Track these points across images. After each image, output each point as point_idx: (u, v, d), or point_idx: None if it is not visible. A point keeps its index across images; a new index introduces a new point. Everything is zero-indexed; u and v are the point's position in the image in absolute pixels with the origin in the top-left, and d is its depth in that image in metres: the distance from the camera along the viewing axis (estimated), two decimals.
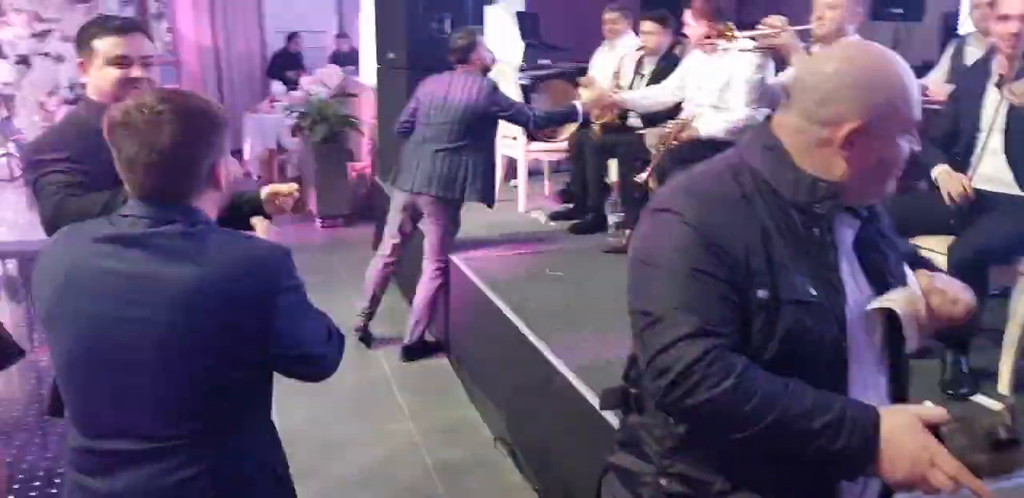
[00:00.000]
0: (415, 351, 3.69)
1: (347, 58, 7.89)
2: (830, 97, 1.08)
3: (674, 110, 3.67)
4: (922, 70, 4.99)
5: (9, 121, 7.23)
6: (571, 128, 4.67)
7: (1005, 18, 2.33)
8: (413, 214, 3.71)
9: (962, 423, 1.02)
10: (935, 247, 2.49)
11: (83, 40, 1.80)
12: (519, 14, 6.02)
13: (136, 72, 1.79)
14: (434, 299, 3.65)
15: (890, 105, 1.09)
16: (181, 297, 1.15)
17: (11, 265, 5.32)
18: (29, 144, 1.89)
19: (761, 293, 1.08)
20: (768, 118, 1.19)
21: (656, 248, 1.12)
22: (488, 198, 3.66)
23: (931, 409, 1.07)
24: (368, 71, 6.14)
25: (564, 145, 4.48)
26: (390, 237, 3.78)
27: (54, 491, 2.66)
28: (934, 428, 1.04)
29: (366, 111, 6.20)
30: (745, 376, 1.03)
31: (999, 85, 2.33)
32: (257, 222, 1.48)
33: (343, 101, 6.32)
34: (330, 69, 7.17)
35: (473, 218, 4.01)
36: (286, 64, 8.07)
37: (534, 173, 5.34)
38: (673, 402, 1.06)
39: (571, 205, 4.44)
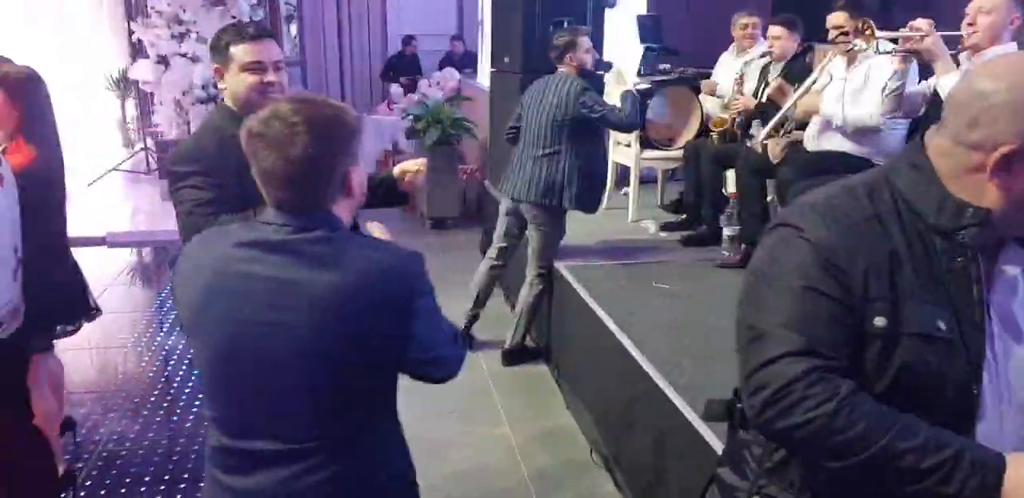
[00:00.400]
0: (515, 356, 3.69)
1: (462, 60, 8.01)
2: (982, 118, 0.99)
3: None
4: None
5: (148, 117, 7.75)
6: (688, 136, 4.55)
7: None
8: (518, 219, 3.69)
9: None
10: None
11: (218, 47, 1.89)
12: (639, 17, 5.90)
13: (270, 76, 1.87)
14: (536, 305, 3.63)
15: None
16: (322, 302, 1.16)
17: (146, 252, 5.70)
18: (171, 154, 2.01)
19: (879, 321, 1.01)
20: (922, 137, 1.10)
21: (772, 262, 1.08)
22: (587, 205, 3.60)
23: None
24: (484, 75, 6.19)
25: (679, 153, 4.35)
26: (497, 241, 3.80)
27: (181, 473, 2.80)
28: None
29: (481, 114, 6.26)
30: (850, 401, 0.97)
31: None
32: (374, 228, 1.48)
33: (458, 104, 6.41)
34: (446, 72, 7.29)
35: (580, 226, 3.96)
36: (400, 67, 8.26)
37: (647, 181, 5.22)
38: (768, 421, 1.01)
39: (683, 216, 4.31)
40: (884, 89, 2.95)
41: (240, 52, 1.86)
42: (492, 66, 5.33)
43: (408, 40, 8.42)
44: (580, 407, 3.16)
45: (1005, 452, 0.97)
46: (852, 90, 3.17)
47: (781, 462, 1.12)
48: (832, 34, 3.29)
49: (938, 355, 1.00)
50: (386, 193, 2.00)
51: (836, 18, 3.29)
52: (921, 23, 2.77)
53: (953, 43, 2.80)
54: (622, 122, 3.55)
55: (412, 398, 1.45)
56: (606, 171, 3.95)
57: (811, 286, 1.03)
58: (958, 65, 2.77)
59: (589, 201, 3.61)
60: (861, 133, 3.16)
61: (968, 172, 1.02)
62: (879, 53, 2.93)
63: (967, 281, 1.03)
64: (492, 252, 3.82)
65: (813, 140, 3.39)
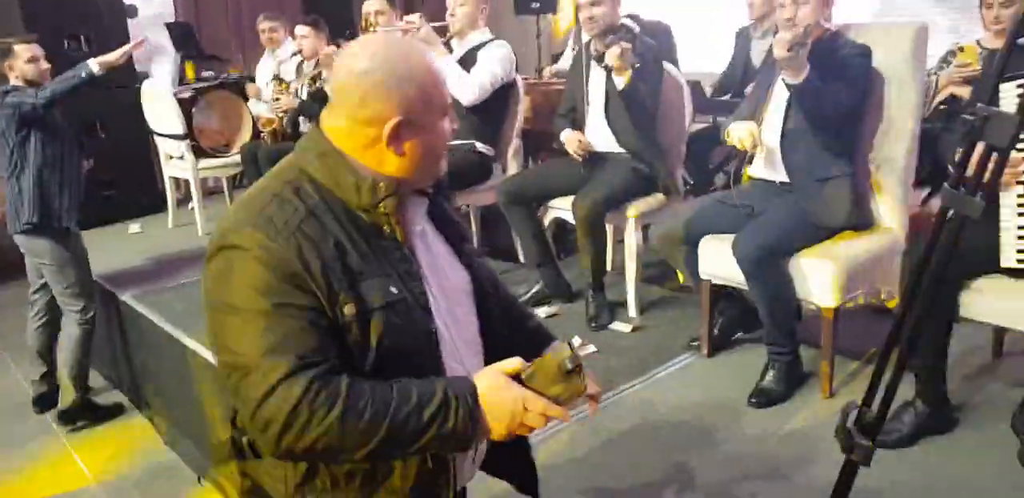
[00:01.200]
0: (76, 414, 3.06)
1: None
2: (369, 96, 1.09)
3: None
4: (557, 58, 5.66)
5: None
6: (243, 139, 4.60)
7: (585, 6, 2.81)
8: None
9: (536, 365, 1.15)
10: (563, 206, 2.92)
11: None
12: (168, 25, 5.71)
13: None
14: (83, 353, 3.03)
15: (424, 93, 1.11)
16: None
17: None
18: None
19: (348, 309, 1.07)
20: (318, 123, 1.17)
21: (230, 290, 1.05)
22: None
23: (508, 361, 1.14)
24: None
25: (238, 158, 4.39)
26: (32, 291, 3.12)
27: None
28: (517, 376, 1.12)
29: None
30: (351, 396, 1.02)
31: (598, 60, 2.80)
32: None
33: None
34: None
35: (143, 249, 3.76)
36: None
37: (216, 192, 5.16)
38: (289, 447, 1.03)
39: None
40: None
41: None
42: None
43: None
44: (178, 437, 2.97)
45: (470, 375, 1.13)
46: None
47: (307, 471, 1.15)
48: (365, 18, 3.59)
49: (400, 315, 1.10)
50: None
51: (376, 4, 3.61)
52: (413, 17, 3.23)
53: (443, 32, 3.31)
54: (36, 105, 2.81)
55: None
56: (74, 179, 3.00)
57: (280, 302, 1.03)
58: (451, 51, 3.29)
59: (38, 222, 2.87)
60: None
61: (368, 146, 1.12)
62: None
63: (396, 242, 1.14)
64: (32, 309, 3.13)
65: None
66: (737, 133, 2.36)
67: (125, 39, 4.71)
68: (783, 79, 2.20)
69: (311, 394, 1.01)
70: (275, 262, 1.04)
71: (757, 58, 3.62)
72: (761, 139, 2.35)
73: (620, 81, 2.67)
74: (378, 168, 1.13)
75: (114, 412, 3.17)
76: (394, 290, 1.11)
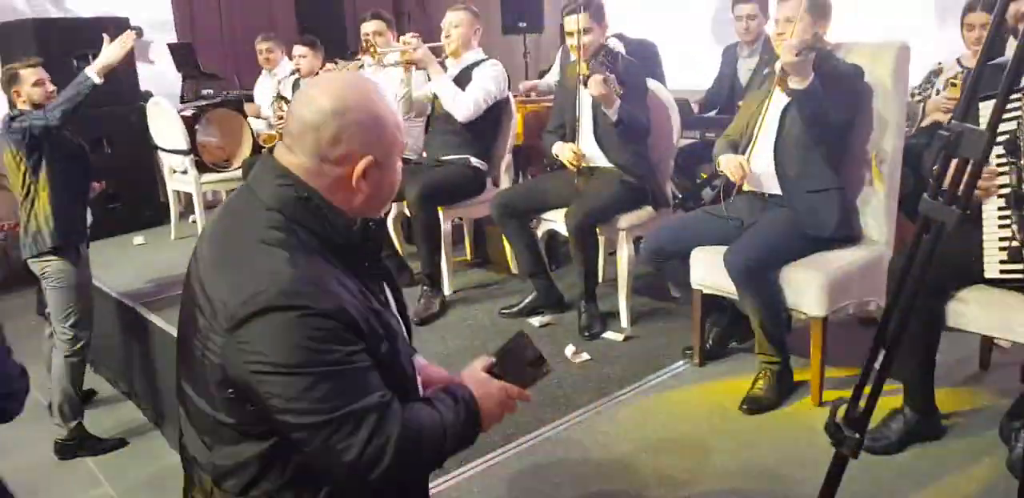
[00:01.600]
0: (73, 447, 2.96)
1: None
2: (342, 135, 1.10)
3: None
4: (543, 74, 5.76)
5: None
6: (244, 154, 4.67)
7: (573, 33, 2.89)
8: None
9: (501, 357, 1.32)
10: (556, 218, 2.98)
11: None
12: (170, 46, 5.82)
13: None
14: (76, 376, 2.95)
15: (390, 134, 1.15)
16: None
17: None
18: None
19: (384, 347, 1.13)
20: (268, 162, 1.16)
21: (291, 351, 1.04)
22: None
23: (479, 360, 1.32)
24: None
25: (239, 173, 4.45)
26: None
27: None
28: (489, 370, 1.30)
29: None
30: (421, 419, 1.14)
31: (583, 82, 2.85)
32: None
33: None
34: None
35: (149, 258, 3.79)
36: None
37: (216, 206, 5.21)
38: (392, 477, 1.08)
39: None
40: (396, 96, 3.42)
41: None
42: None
43: None
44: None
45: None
46: None
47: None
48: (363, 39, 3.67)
49: (395, 341, 1.17)
50: None
51: (374, 25, 3.71)
52: (410, 38, 3.31)
53: (438, 52, 3.40)
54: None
55: None
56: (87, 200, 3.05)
57: (348, 351, 1.06)
58: (446, 70, 3.37)
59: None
60: None
61: (336, 184, 1.13)
62: (385, 66, 3.43)
63: (378, 275, 1.24)
64: (46, 330, 3.07)
65: None
66: (727, 165, 2.45)
67: (130, 58, 4.82)
68: (789, 85, 2.26)
69: (404, 427, 1.09)
70: (333, 313, 1.05)
71: (744, 76, 3.69)
72: (749, 167, 2.42)
73: (610, 112, 2.75)
74: (348, 205, 1.16)
75: (116, 445, 3.02)
76: (393, 322, 1.19)
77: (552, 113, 3.26)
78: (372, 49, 3.35)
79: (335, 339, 1.05)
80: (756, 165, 2.46)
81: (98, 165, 4.50)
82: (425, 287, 3.20)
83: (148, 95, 5.12)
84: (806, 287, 2.30)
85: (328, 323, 1.05)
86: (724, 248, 2.37)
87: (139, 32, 4.48)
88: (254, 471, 1.15)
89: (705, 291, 2.55)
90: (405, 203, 3.29)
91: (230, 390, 1.10)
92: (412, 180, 3.21)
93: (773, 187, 2.46)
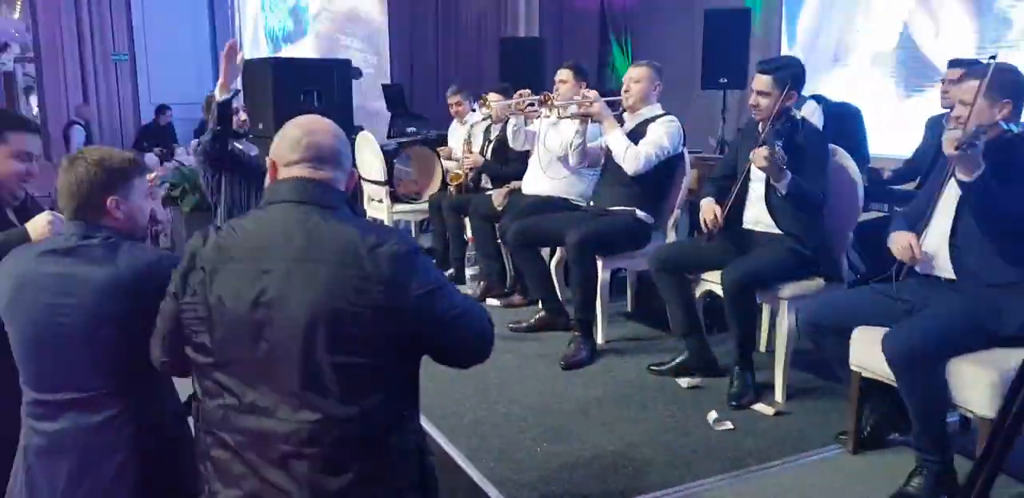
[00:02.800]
0: None
1: None
2: (347, 155, 1.51)
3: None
4: None
5: None
6: (432, 189, 5.02)
7: (751, 93, 2.84)
8: None
9: None
10: (715, 279, 2.91)
11: None
12: (384, 87, 6.40)
13: (33, 167, 1.98)
14: None
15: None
16: (99, 287, 1.55)
17: None
18: None
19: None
20: (318, 181, 1.42)
21: (432, 273, 1.40)
22: None
23: None
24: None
25: (426, 206, 4.79)
26: None
27: None
28: None
29: None
30: None
31: (759, 144, 2.79)
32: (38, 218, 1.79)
33: None
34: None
35: None
36: (154, 136, 8.09)
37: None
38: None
39: (433, 261, 4.69)
40: (571, 145, 3.55)
41: (18, 140, 1.94)
42: (249, 134, 5.50)
43: (162, 110, 8.29)
44: None
45: None
46: (555, 152, 3.71)
47: None
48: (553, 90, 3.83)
49: None
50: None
51: (562, 74, 3.87)
52: (588, 93, 3.44)
53: (615, 106, 3.48)
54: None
55: None
56: None
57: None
58: (622, 124, 3.44)
59: None
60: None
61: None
62: (561, 118, 3.57)
63: None
64: None
65: (528, 185, 3.95)
66: (896, 243, 2.30)
67: (349, 95, 5.38)
68: (955, 176, 2.11)
69: (482, 309, 1.49)
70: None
71: None
72: (920, 250, 2.26)
73: (779, 185, 2.66)
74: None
75: None
76: None
77: (721, 163, 3.20)
78: (550, 101, 3.51)
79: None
80: (930, 247, 2.29)
81: None
82: (577, 333, 3.25)
83: (359, 129, 5.67)
84: (976, 383, 2.08)
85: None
86: (886, 329, 2.21)
87: (357, 73, 4.96)
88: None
89: (864, 374, 2.38)
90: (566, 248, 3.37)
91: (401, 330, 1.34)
92: (574, 227, 3.29)
93: (949, 272, 2.27)
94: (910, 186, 3.66)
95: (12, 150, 1.95)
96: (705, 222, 2.90)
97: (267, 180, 1.50)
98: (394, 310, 1.31)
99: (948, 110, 3.58)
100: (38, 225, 1.83)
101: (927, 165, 3.57)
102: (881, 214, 3.52)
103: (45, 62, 8.13)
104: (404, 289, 1.31)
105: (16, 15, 9.62)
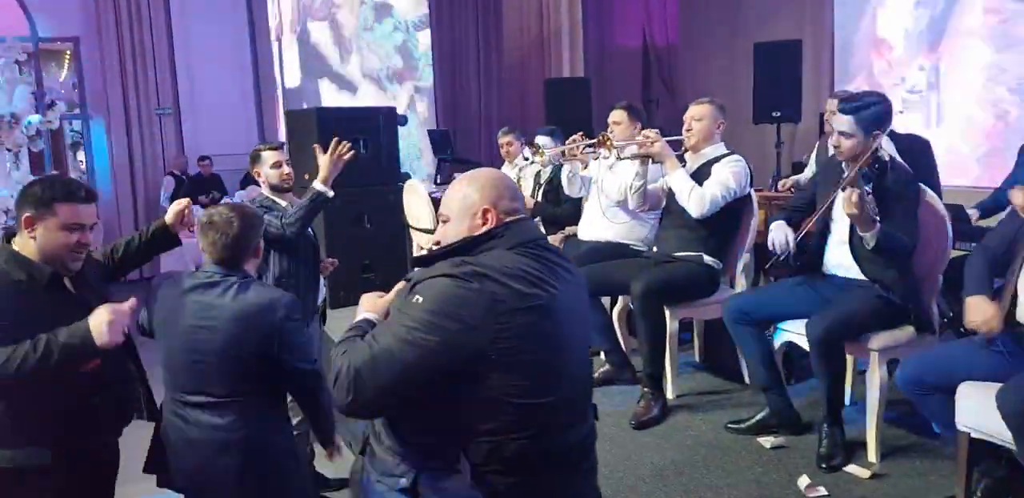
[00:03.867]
0: None
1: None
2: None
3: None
4: (799, 166, 5.48)
5: None
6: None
7: (832, 132, 2.67)
8: None
9: None
10: (797, 329, 2.71)
11: (41, 199, 1.90)
12: (430, 132, 6.38)
13: (87, 237, 1.95)
14: None
15: None
16: (235, 316, 2.04)
17: None
18: None
19: None
20: None
21: None
22: None
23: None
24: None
25: None
26: None
27: None
28: None
29: None
30: None
31: (842, 187, 2.60)
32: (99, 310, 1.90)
33: None
34: (251, 190, 7.34)
35: None
36: (199, 187, 8.10)
37: None
38: None
39: None
40: (630, 188, 3.40)
41: (66, 211, 1.90)
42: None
43: (203, 159, 8.28)
44: None
45: None
46: (616, 193, 3.56)
47: None
48: (591, 138, 3.70)
49: None
50: (160, 241, 2.41)
51: (615, 115, 3.75)
52: (649, 132, 3.30)
53: (677, 145, 3.34)
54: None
55: None
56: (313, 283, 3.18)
57: None
58: (684, 164, 3.29)
59: None
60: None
61: None
62: (620, 159, 3.43)
63: None
64: None
65: (585, 231, 3.81)
66: (975, 314, 2.13)
67: (395, 142, 5.35)
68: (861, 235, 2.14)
69: None
70: None
71: None
72: (1000, 322, 2.08)
73: (867, 236, 2.45)
74: None
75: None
76: None
77: (798, 195, 3.00)
78: (608, 142, 3.37)
79: None
80: None
81: (358, 239, 4.98)
82: (646, 389, 3.06)
83: (407, 176, 5.63)
84: None
85: None
86: (999, 385, 1.99)
87: (403, 121, 4.92)
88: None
89: (974, 435, 2.15)
90: (630, 297, 3.20)
91: None
92: (639, 275, 3.13)
93: None
94: (992, 221, 3.43)
95: (60, 221, 1.91)
96: (774, 243, 2.73)
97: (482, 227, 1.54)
98: None
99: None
100: (99, 328, 1.83)
101: None
102: (968, 253, 3.27)
103: (92, 118, 8.33)
104: None
105: (63, 73, 9.94)
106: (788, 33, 6.82)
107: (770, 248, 2.77)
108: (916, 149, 3.52)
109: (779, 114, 6.17)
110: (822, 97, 6.90)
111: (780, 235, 2.73)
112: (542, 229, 4.33)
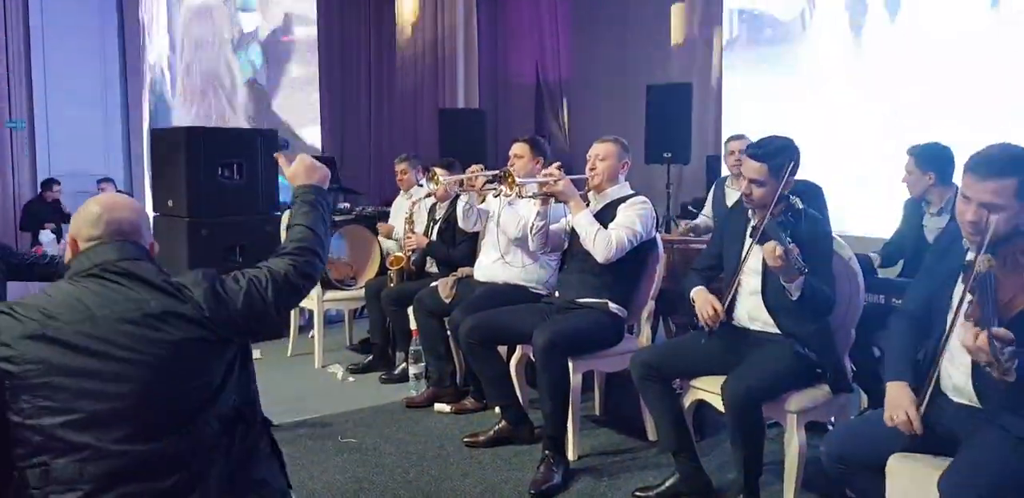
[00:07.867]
0: None
1: None
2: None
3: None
4: (694, 205, 5.44)
5: None
6: (370, 274, 4.53)
7: (741, 178, 2.54)
8: None
9: None
10: (709, 388, 2.51)
11: None
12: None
13: None
14: None
15: None
16: None
17: None
18: None
19: None
20: None
21: None
22: None
23: None
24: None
25: (363, 292, 4.29)
26: None
27: None
28: None
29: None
30: None
31: (752, 235, 2.46)
32: None
33: None
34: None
35: (266, 376, 3.60)
36: (42, 214, 7.22)
37: (335, 321, 5.09)
38: None
39: (370, 357, 4.23)
40: (531, 228, 3.16)
41: None
42: (155, 210, 4.95)
43: (49, 184, 7.37)
44: None
45: None
46: (513, 234, 3.33)
47: None
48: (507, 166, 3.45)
49: None
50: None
51: (517, 148, 3.54)
52: (553, 169, 3.08)
53: (580, 184, 3.14)
54: None
55: None
56: None
57: None
58: (588, 204, 3.09)
59: None
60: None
61: None
62: (522, 197, 3.18)
63: None
64: None
65: (481, 271, 3.54)
66: (894, 409, 1.93)
67: (275, 168, 4.92)
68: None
69: None
70: None
71: (930, 235, 3.18)
72: (920, 425, 1.88)
73: (791, 287, 2.30)
74: None
75: None
76: None
77: (706, 252, 2.83)
78: (511, 179, 3.13)
79: None
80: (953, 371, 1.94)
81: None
82: (548, 451, 2.78)
83: (286, 206, 5.19)
84: None
85: None
86: (933, 459, 1.83)
87: (285, 145, 4.50)
88: None
89: None
90: (531, 348, 2.93)
91: None
92: (541, 324, 2.88)
93: (973, 399, 1.92)
94: (894, 271, 3.40)
95: None
96: (703, 315, 2.51)
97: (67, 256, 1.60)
98: None
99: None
100: None
101: (909, 252, 3.33)
102: (876, 303, 3.18)
103: None
104: None
105: None
106: (679, 75, 6.91)
107: (699, 322, 2.55)
108: (809, 195, 3.45)
109: (670, 155, 6.18)
110: (708, 140, 7.03)
111: (707, 307, 2.51)
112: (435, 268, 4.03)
